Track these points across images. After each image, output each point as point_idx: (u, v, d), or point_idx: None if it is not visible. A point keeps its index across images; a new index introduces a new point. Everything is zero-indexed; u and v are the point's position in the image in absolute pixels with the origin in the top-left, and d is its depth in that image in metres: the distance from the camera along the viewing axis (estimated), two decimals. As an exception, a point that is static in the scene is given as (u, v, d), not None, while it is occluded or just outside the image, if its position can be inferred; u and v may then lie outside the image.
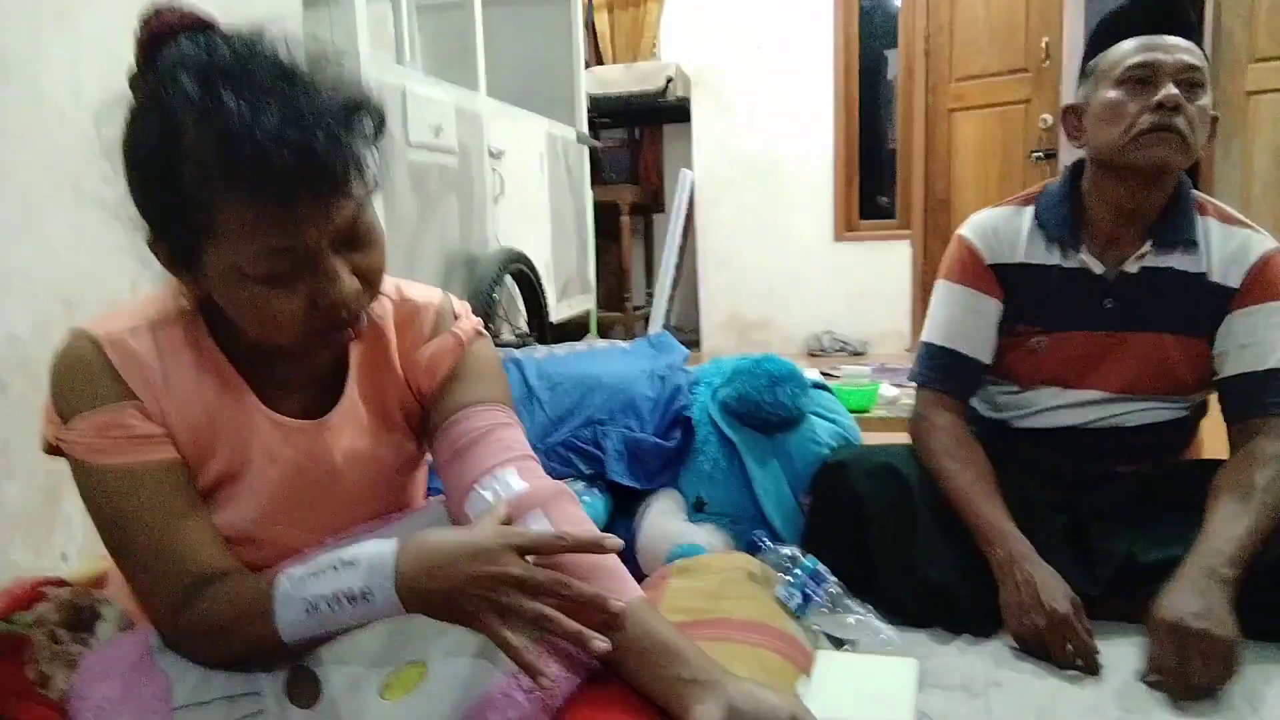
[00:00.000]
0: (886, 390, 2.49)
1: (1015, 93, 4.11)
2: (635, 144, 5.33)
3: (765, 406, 1.48)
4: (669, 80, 4.56)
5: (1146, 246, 1.33)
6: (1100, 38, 1.34)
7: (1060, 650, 1.15)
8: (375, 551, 0.76)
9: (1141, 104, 1.25)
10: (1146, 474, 1.37)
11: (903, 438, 1.46)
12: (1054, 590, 1.17)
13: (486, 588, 0.74)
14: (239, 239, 0.73)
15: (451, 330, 0.97)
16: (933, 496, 1.32)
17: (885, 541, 1.31)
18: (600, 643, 0.76)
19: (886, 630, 1.22)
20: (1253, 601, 1.11)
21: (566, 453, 1.51)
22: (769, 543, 1.36)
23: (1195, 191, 1.36)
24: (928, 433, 1.38)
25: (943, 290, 1.44)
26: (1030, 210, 1.40)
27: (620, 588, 0.84)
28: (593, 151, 4.04)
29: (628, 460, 1.51)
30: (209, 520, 0.86)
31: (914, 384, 1.47)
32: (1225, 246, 1.32)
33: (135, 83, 0.77)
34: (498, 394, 0.97)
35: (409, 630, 0.84)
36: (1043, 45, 3.91)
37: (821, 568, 1.25)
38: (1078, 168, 1.40)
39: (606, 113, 4.58)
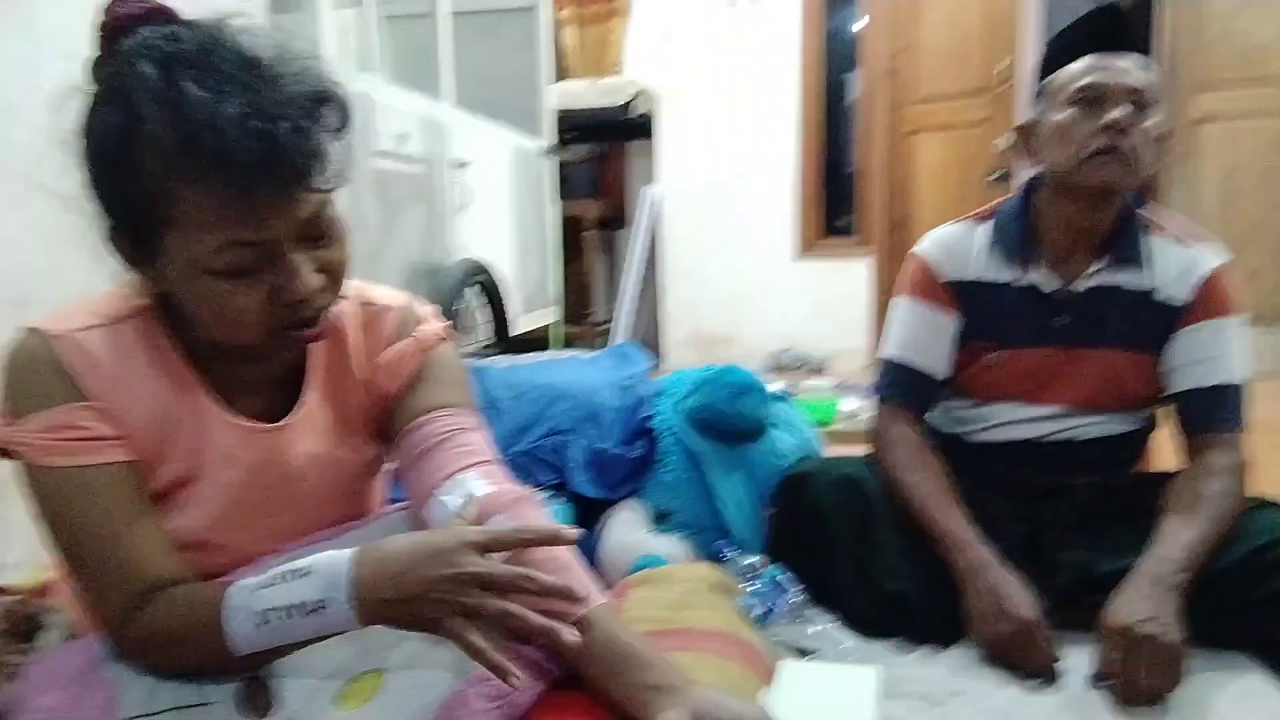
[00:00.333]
0: (847, 404, 2.52)
1: (973, 115, 4.20)
2: (600, 159, 5.34)
3: (729, 417, 1.48)
4: (634, 96, 4.59)
5: (1097, 264, 1.36)
6: (1051, 57, 1.37)
7: (1024, 657, 1.16)
8: (330, 561, 0.75)
9: (1090, 125, 1.27)
10: (1101, 486, 1.39)
11: (863, 450, 1.47)
12: (1019, 598, 1.18)
13: (448, 590, 0.72)
14: (199, 230, 0.72)
15: (416, 334, 0.96)
16: (893, 508, 1.33)
17: (846, 552, 1.31)
18: (571, 635, 0.73)
19: (848, 640, 1.22)
20: (1202, 610, 1.13)
21: (529, 463, 1.50)
22: (732, 553, 1.37)
23: (1144, 210, 1.39)
24: (888, 445, 1.40)
25: (900, 306, 1.46)
26: (985, 227, 1.43)
27: (583, 585, 0.84)
28: (558, 165, 4.04)
29: (591, 471, 1.50)
30: (161, 526, 0.84)
31: (874, 397, 1.49)
32: (1173, 264, 1.35)
33: (95, 70, 0.75)
34: (462, 398, 0.96)
35: (366, 639, 0.83)
36: (1000, 69, 4.00)
37: (784, 578, 1.26)
38: (1032, 185, 1.42)
39: (572, 127, 4.59)
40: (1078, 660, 1.17)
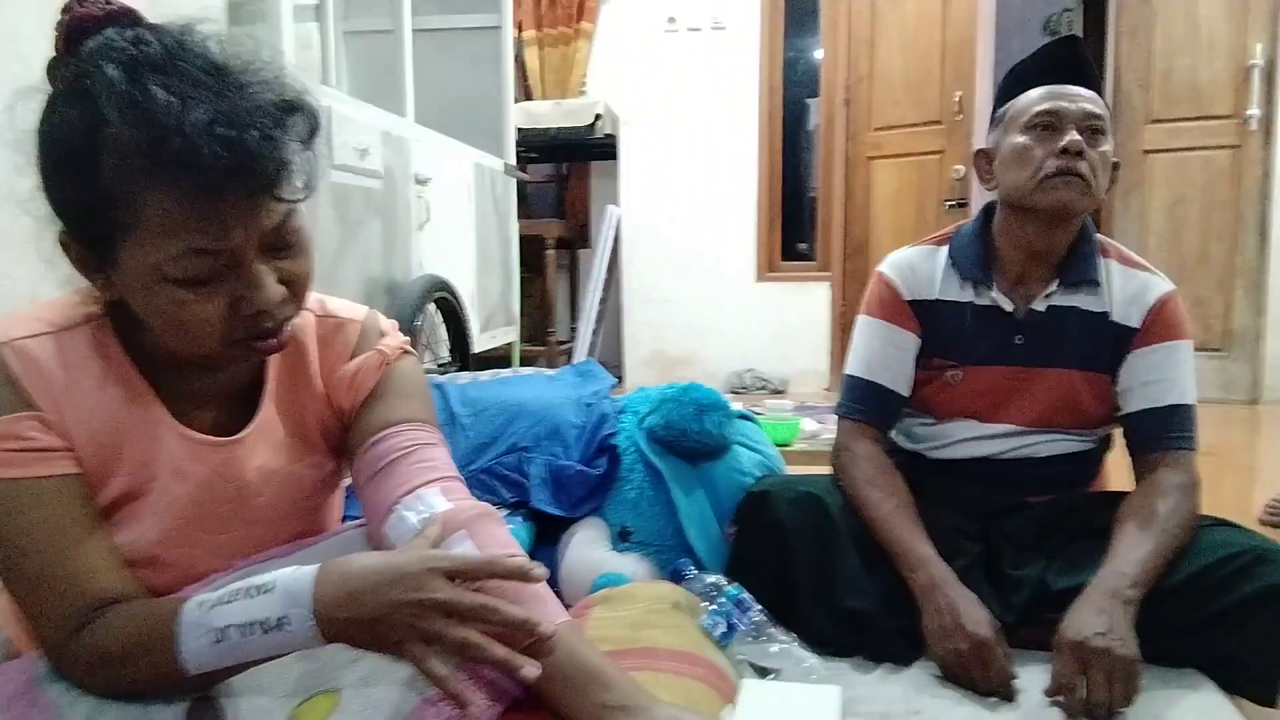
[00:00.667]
0: (808, 425, 2.54)
1: (930, 143, 4.29)
2: (562, 179, 5.35)
3: (692, 434, 1.48)
4: (597, 117, 4.61)
5: (1053, 286, 1.39)
6: (1009, 86, 1.41)
7: (981, 674, 1.17)
8: (292, 577, 0.73)
9: (1047, 149, 1.31)
10: (1057, 504, 1.41)
11: (824, 471, 1.48)
12: (975, 615, 1.19)
13: (411, 614, 0.71)
14: (160, 237, 0.70)
15: (377, 348, 0.95)
16: (855, 526, 1.33)
17: (808, 570, 1.31)
18: (531, 669, 0.73)
19: (810, 659, 1.22)
20: (1155, 625, 1.15)
21: (490, 479, 1.48)
22: (694, 571, 1.36)
23: (1099, 235, 1.43)
24: (850, 462, 1.40)
25: (864, 325, 1.47)
26: (945, 250, 1.46)
27: (546, 612, 0.82)
28: (519, 185, 4.03)
29: (552, 488, 1.49)
30: (109, 540, 0.81)
31: (838, 414, 1.50)
32: (1126, 288, 1.39)
33: (54, 71, 0.73)
34: (422, 413, 0.94)
35: (321, 657, 0.80)
36: (955, 99, 4.09)
37: (746, 596, 1.25)
38: (989, 209, 1.46)
39: (534, 147, 4.59)
40: (1035, 677, 1.18)
